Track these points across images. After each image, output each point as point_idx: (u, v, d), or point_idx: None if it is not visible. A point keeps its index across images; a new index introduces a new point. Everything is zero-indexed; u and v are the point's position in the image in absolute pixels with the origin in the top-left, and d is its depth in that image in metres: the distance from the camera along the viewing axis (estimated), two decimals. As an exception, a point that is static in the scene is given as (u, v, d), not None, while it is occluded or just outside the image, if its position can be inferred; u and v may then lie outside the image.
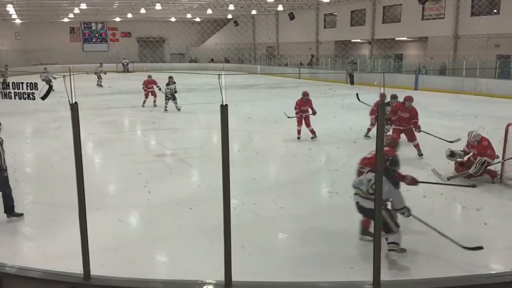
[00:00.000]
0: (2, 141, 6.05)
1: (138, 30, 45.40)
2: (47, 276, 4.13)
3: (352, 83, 26.27)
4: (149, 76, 17.56)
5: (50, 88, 4.29)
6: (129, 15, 38.50)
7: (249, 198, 6.88)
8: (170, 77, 16.02)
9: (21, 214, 6.19)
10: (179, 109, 16.13)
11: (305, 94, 11.25)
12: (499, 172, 7.62)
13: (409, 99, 9.59)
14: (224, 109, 3.43)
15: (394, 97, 10.36)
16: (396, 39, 30.85)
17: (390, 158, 4.96)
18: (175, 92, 16.02)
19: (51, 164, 8.94)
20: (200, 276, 4.17)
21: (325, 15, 37.38)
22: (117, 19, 42.89)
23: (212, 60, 45.48)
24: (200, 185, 7.72)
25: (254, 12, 38.64)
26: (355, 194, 5.02)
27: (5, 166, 6.03)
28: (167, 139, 12.15)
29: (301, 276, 4.54)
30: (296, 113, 11.27)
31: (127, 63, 41.12)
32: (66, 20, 40.95)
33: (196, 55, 47.67)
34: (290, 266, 4.97)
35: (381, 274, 3.72)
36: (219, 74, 3.44)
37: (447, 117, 14.51)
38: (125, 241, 5.50)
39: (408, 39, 30.98)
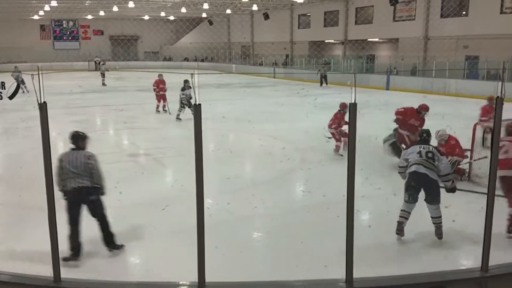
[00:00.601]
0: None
1: (110, 28, 44.74)
2: (16, 279, 4.03)
3: (323, 83, 25.76)
4: (160, 75, 15.49)
5: (18, 87, 4.19)
6: (102, 13, 37.83)
7: (223, 197, 6.86)
8: (186, 81, 13.63)
9: (122, 246, 5.21)
10: None
11: (345, 106, 9.32)
12: (467, 170, 7.83)
13: (425, 108, 8.82)
14: (197, 108, 3.41)
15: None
16: (368, 40, 31.34)
17: (425, 130, 5.69)
18: (190, 98, 13.60)
19: (20, 164, 8.71)
20: (173, 278, 4.15)
21: (299, 15, 37.66)
22: (89, 16, 42.10)
23: (186, 59, 45.16)
24: (173, 185, 7.66)
25: (228, 11, 38.58)
26: (417, 164, 5.20)
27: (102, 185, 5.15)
28: (140, 138, 12.00)
29: (275, 276, 4.55)
30: (335, 129, 9.57)
31: (99, 62, 40.42)
32: (36, 17, 39.97)
33: (170, 53, 47.30)
34: (264, 265, 4.99)
35: (353, 272, 3.78)
36: (191, 73, 3.42)
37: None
38: (96, 242, 5.40)
39: (380, 40, 31.50)
